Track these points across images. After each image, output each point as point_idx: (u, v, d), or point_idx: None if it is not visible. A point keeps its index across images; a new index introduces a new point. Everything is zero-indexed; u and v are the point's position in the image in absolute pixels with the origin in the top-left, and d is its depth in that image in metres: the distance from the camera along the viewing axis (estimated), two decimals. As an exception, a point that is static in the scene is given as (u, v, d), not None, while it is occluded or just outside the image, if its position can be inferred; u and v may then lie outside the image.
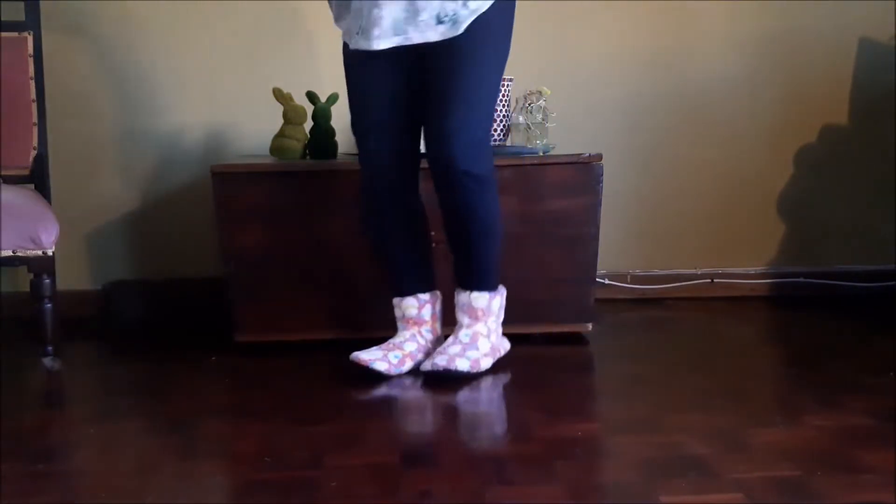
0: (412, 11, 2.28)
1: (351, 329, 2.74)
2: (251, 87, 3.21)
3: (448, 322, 2.57)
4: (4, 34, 2.99)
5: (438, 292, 2.56)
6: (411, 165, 2.48)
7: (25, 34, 3.01)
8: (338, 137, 2.91)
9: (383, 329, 2.59)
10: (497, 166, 2.46)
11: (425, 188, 2.50)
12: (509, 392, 2.40)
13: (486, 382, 2.42)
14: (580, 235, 2.77)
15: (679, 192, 3.37)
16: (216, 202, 2.75)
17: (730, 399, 2.25)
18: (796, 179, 3.39)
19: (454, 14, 2.28)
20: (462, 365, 2.39)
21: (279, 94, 2.91)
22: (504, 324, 2.54)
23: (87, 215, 3.27)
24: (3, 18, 3.00)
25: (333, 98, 2.91)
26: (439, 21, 2.29)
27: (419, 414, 2.32)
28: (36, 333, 2.71)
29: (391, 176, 2.45)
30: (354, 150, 2.99)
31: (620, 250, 3.33)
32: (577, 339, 2.80)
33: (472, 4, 2.30)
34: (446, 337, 2.56)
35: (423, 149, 2.45)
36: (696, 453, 1.89)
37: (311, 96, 2.89)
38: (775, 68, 3.35)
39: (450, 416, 2.28)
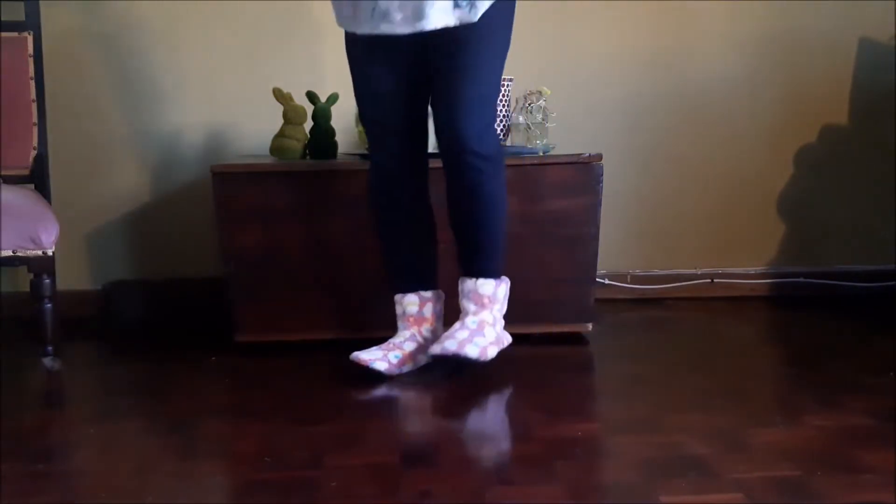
0: None
1: (351, 329, 2.74)
2: (251, 87, 3.21)
3: (448, 324, 2.57)
4: (4, 34, 2.99)
5: (441, 292, 2.56)
6: (420, 159, 2.49)
7: (25, 34, 3.01)
8: (338, 137, 2.92)
9: (383, 329, 2.59)
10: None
11: (433, 191, 2.51)
12: (509, 392, 2.40)
13: (487, 382, 2.42)
14: (580, 235, 2.77)
15: (679, 192, 3.37)
16: (216, 202, 2.74)
17: (730, 399, 2.25)
18: (796, 179, 3.39)
19: None
20: (472, 351, 2.37)
21: (279, 94, 2.91)
22: (504, 324, 2.54)
23: (87, 215, 3.27)
24: (3, 18, 3.00)
25: (333, 98, 2.91)
26: (456, 5, 2.28)
27: (419, 414, 2.32)
28: (36, 333, 2.71)
29: (400, 168, 2.46)
30: (354, 149, 3.01)
31: (620, 250, 3.33)
32: (577, 339, 2.80)
33: None
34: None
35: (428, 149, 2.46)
36: (696, 453, 1.89)
37: (311, 96, 2.89)
38: (775, 68, 3.35)
39: (450, 415, 2.28)
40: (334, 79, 3.07)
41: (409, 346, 2.49)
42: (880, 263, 3.40)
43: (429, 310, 2.52)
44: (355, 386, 2.40)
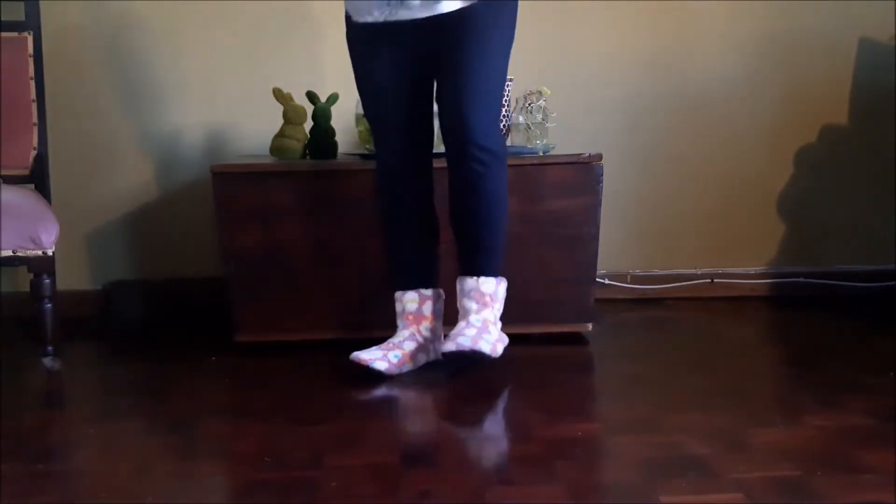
0: None
1: (351, 329, 2.74)
2: (251, 87, 3.21)
3: (448, 323, 2.57)
4: (4, 34, 2.99)
5: (441, 291, 2.56)
6: (423, 158, 2.49)
7: (25, 34, 3.01)
8: (338, 137, 2.92)
9: (383, 329, 2.59)
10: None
11: (436, 191, 2.52)
12: (509, 392, 2.40)
13: (487, 382, 2.42)
14: (580, 235, 2.77)
15: (679, 192, 3.37)
16: (216, 202, 2.74)
17: (730, 399, 2.25)
18: (796, 179, 3.39)
19: None
20: (485, 347, 2.36)
21: (279, 94, 2.91)
22: (504, 324, 2.54)
23: (87, 215, 3.27)
24: (3, 18, 3.00)
25: (333, 98, 2.91)
26: None
27: (419, 414, 2.32)
28: (36, 333, 2.71)
29: (403, 166, 2.47)
30: (354, 149, 3.01)
31: (620, 250, 3.33)
32: (577, 339, 2.80)
33: None
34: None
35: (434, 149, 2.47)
36: (696, 453, 1.89)
37: (311, 96, 2.89)
38: (775, 68, 3.35)
39: (450, 415, 2.28)
40: (334, 79, 3.07)
41: (409, 346, 2.49)
42: (880, 263, 3.40)
43: (428, 308, 2.52)
44: (355, 386, 2.40)
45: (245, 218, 2.73)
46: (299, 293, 2.75)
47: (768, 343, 2.99)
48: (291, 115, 2.90)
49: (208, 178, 2.77)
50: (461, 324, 2.44)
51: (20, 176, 2.95)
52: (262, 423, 2.15)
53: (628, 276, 3.37)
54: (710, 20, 3.32)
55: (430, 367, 2.51)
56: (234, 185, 2.72)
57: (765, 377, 2.54)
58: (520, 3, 2.45)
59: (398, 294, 2.53)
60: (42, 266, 2.66)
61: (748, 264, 3.41)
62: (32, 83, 3.00)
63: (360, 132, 2.86)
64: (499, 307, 2.49)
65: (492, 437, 2.13)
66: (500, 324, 2.50)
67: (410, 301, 2.51)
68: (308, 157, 2.90)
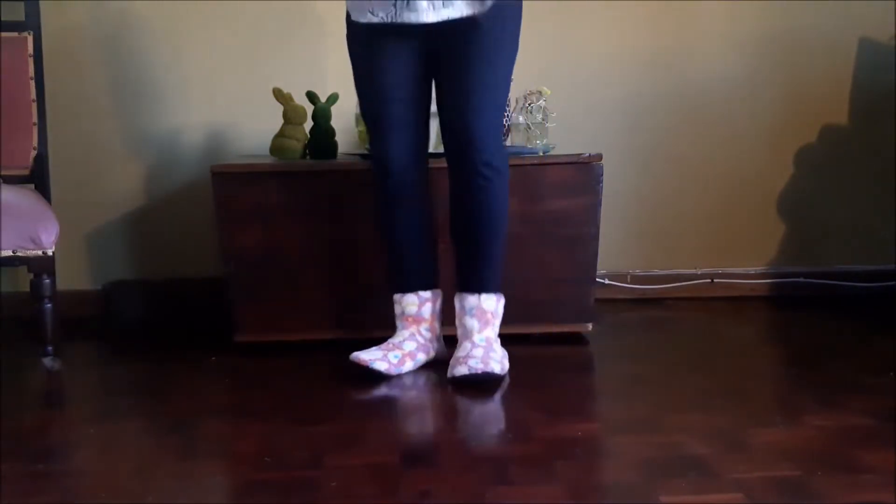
0: None
1: (351, 329, 2.74)
2: (251, 87, 3.21)
3: (446, 321, 2.57)
4: (4, 34, 2.99)
5: (440, 290, 2.56)
6: (422, 157, 2.49)
7: (25, 34, 3.01)
8: (338, 137, 2.91)
9: (383, 329, 2.59)
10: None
11: (434, 192, 2.52)
12: (509, 392, 2.40)
13: (487, 382, 2.41)
14: (580, 235, 2.77)
15: (679, 192, 3.37)
16: (216, 202, 2.74)
17: (730, 399, 2.25)
18: (796, 179, 3.39)
19: None
20: (495, 367, 2.39)
21: (279, 94, 2.91)
22: (504, 324, 2.54)
23: (87, 215, 3.27)
24: (3, 18, 3.00)
25: (333, 98, 2.91)
26: None
27: (419, 414, 2.32)
28: (36, 333, 2.72)
29: (399, 166, 2.46)
30: (354, 149, 3.01)
31: (620, 250, 3.33)
32: (577, 339, 2.80)
33: None
34: (445, 337, 2.56)
35: (431, 149, 2.46)
36: (696, 453, 1.89)
37: (311, 96, 2.89)
38: (775, 68, 3.35)
39: (450, 416, 2.28)
40: (334, 79, 3.07)
41: (409, 346, 2.49)
42: (880, 263, 3.40)
43: (427, 310, 2.52)
44: (355, 386, 2.40)
45: (245, 218, 2.73)
46: (299, 293, 2.75)
47: (768, 343, 2.99)
48: (291, 115, 2.90)
49: (208, 178, 2.77)
50: (466, 345, 2.45)
51: (20, 176, 2.95)
52: (262, 423, 2.15)
53: (628, 276, 3.37)
54: (710, 20, 3.32)
55: (430, 367, 2.51)
56: (234, 185, 2.72)
57: (765, 377, 2.54)
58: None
59: (397, 296, 2.53)
60: (42, 266, 2.67)
61: (748, 264, 3.41)
62: (32, 83, 3.01)
63: (359, 132, 2.86)
64: (498, 323, 2.50)
65: (492, 437, 2.13)
66: (498, 340, 2.51)
67: (410, 304, 2.51)
68: (308, 157, 2.90)
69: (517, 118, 2.88)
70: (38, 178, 2.96)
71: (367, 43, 2.41)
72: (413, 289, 2.52)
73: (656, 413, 2.17)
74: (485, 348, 2.42)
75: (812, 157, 3.38)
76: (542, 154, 2.79)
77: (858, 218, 3.41)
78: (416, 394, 2.39)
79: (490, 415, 2.28)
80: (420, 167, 2.50)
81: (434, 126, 2.54)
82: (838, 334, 2.90)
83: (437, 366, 2.50)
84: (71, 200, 3.19)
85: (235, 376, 2.58)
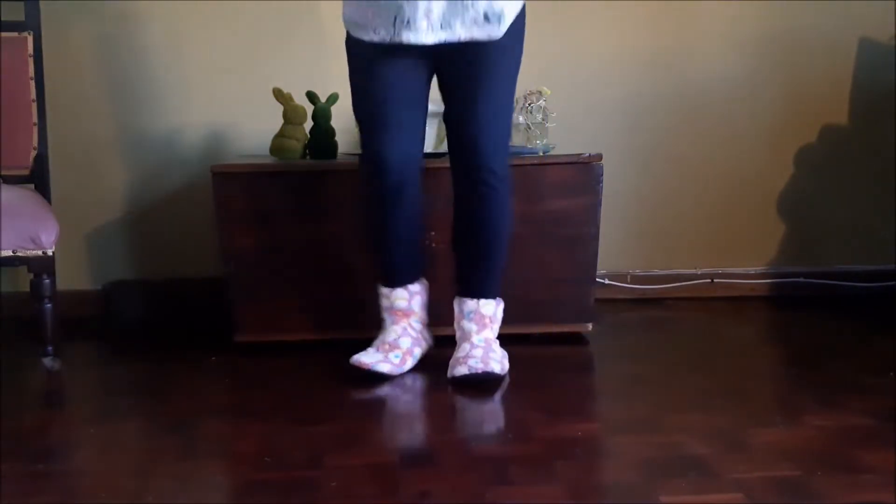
0: (461, 7, 2.26)
1: (351, 329, 2.74)
2: (251, 87, 3.21)
3: (446, 321, 2.56)
4: (4, 34, 2.99)
5: (425, 280, 2.56)
6: (417, 158, 2.48)
7: (25, 34, 3.01)
8: (338, 137, 2.92)
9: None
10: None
11: (433, 191, 2.52)
12: (509, 392, 2.40)
13: (486, 382, 2.41)
14: (580, 235, 2.77)
15: (679, 192, 3.37)
16: (216, 202, 2.74)
17: (730, 399, 2.25)
18: (796, 179, 3.39)
19: (500, 12, 2.28)
20: (495, 367, 2.40)
21: (279, 94, 2.91)
22: (504, 324, 2.54)
23: (87, 215, 3.27)
24: (3, 18, 2.99)
25: (333, 98, 2.91)
26: (486, 19, 2.28)
27: (419, 414, 2.32)
28: (36, 333, 2.71)
29: (399, 173, 2.43)
30: (354, 150, 3.01)
31: (620, 250, 3.33)
32: (577, 339, 2.80)
33: (515, 4, 2.32)
34: (444, 337, 2.56)
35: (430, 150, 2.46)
36: (696, 453, 1.90)
37: (311, 96, 2.89)
38: (775, 68, 3.35)
39: (450, 416, 2.28)
40: (334, 79, 3.06)
41: (406, 343, 2.50)
42: (880, 263, 3.40)
43: (417, 303, 2.53)
44: (355, 386, 2.40)
45: (245, 218, 2.73)
46: (299, 293, 2.75)
47: (768, 343, 2.99)
48: (291, 115, 2.90)
49: (208, 178, 2.77)
50: (465, 346, 2.46)
51: (20, 176, 2.95)
52: (262, 423, 2.16)
53: (628, 276, 3.37)
54: (710, 20, 3.32)
55: (430, 367, 2.51)
56: (233, 185, 2.72)
57: (765, 377, 2.54)
58: (522, 3, 2.45)
59: (386, 290, 2.53)
60: (42, 266, 2.67)
61: (748, 264, 3.41)
62: (32, 83, 3.00)
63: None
64: (497, 327, 2.51)
65: (492, 437, 2.13)
66: (497, 342, 2.51)
67: (399, 299, 2.52)
68: (308, 157, 2.90)
69: (517, 118, 2.88)
70: (38, 178, 2.96)
71: (366, 58, 2.39)
72: (402, 283, 2.52)
73: (656, 413, 2.17)
74: (484, 348, 2.43)
75: (812, 157, 3.38)
76: (542, 154, 2.79)
77: (858, 218, 3.41)
78: (415, 394, 2.40)
79: (490, 415, 2.29)
80: (413, 168, 2.47)
81: (433, 126, 2.53)
82: (838, 334, 2.91)
83: (436, 366, 2.50)
84: (71, 200, 3.19)
85: (235, 376, 2.58)
